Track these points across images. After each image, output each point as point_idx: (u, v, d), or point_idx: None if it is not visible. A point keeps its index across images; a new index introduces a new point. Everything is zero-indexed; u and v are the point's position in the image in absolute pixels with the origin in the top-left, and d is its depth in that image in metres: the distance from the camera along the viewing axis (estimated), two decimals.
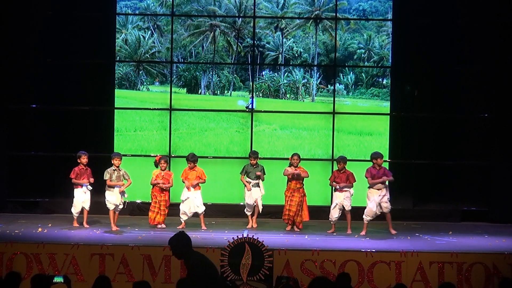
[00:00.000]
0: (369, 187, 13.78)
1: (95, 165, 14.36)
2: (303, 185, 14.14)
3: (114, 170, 13.87)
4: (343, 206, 13.88)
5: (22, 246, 11.64)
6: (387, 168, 14.17)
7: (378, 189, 13.69)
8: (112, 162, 13.91)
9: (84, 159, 13.95)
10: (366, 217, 13.78)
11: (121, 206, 13.89)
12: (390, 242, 13.11)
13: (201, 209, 14.21)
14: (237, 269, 11.24)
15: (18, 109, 16.09)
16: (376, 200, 13.66)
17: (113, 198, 13.77)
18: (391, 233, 13.74)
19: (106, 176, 13.83)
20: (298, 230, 14.04)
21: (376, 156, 13.87)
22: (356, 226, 13.94)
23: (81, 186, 13.91)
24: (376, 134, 16.70)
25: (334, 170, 14.36)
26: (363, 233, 13.68)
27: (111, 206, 13.79)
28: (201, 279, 7.90)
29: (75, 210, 14.03)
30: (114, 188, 13.78)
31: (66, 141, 16.05)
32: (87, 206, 14.00)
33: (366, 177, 13.76)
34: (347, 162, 14.18)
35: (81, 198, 13.96)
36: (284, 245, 12.01)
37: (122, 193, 13.81)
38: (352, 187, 13.98)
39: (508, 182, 15.95)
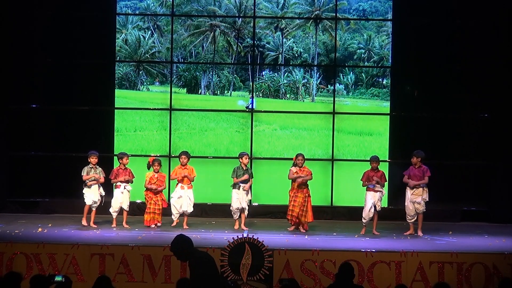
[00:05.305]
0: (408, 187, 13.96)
1: None
2: (308, 185, 14.07)
3: (91, 168, 13.97)
4: (374, 206, 13.80)
5: (22, 246, 11.63)
6: (427, 168, 13.87)
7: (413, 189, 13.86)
8: (89, 160, 13.98)
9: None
10: (407, 216, 14.00)
11: (98, 203, 14.00)
12: (390, 242, 13.11)
13: (190, 209, 14.24)
14: (237, 269, 11.22)
15: (18, 109, 16.10)
16: (409, 198, 13.82)
17: (91, 195, 13.91)
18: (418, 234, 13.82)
19: (84, 172, 13.95)
20: (304, 231, 13.94)
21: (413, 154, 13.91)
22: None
23: (119, 186, 14.07)
24: (376, 134, 16.69)
25: (366, 170, 13.95)
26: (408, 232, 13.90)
27: (89, 201, 13.91)
28: (202, 279, 7.89)
29: (112, 209, 14.15)
30: (91, 185, 13.89)
31: (66, 141, 16.07)
32: (125, 206, 14.10)
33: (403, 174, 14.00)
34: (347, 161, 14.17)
35: (119, 198, 14.07)
36: (284, 245, 11.99)
37: (99, 187, 13.94)
38: (383, 186, 14.00)
39: (508, 182, 15.95)
